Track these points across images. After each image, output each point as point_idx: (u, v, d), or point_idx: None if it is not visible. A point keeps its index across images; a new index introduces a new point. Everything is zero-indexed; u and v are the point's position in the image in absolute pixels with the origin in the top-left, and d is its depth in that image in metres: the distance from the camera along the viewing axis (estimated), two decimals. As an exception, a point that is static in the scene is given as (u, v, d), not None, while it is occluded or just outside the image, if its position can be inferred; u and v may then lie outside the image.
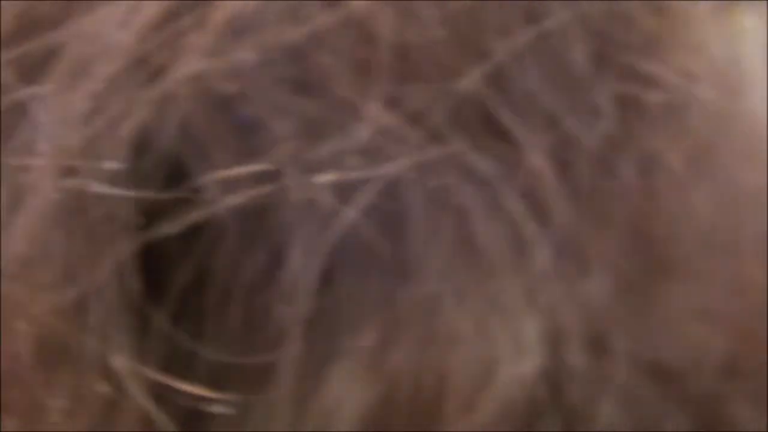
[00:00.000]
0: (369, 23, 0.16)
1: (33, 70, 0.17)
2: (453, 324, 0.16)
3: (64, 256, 0.16)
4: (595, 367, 0.16)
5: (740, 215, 0.17)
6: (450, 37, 0.16)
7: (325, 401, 0.16)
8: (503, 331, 0.16)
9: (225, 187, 0.16)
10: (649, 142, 0.17)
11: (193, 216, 0.16)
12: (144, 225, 0.16)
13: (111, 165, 0.16)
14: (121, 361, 0.16)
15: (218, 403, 0.16)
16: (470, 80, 0.16)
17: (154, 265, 0.16)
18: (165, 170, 0.16)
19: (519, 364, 0.16)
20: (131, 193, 0.16)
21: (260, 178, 0.16)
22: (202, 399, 0.17)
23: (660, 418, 0.17)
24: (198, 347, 0.16)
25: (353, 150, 0.16)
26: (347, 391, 0.16)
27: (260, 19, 0.17)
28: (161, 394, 0.16)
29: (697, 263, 0.17)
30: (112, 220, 0.16)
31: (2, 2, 0.18)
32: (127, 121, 0.16)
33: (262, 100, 0.16)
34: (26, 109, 0.17)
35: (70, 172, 0.16)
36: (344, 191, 0.16)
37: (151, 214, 0.16)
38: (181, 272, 0.16)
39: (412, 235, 0.16)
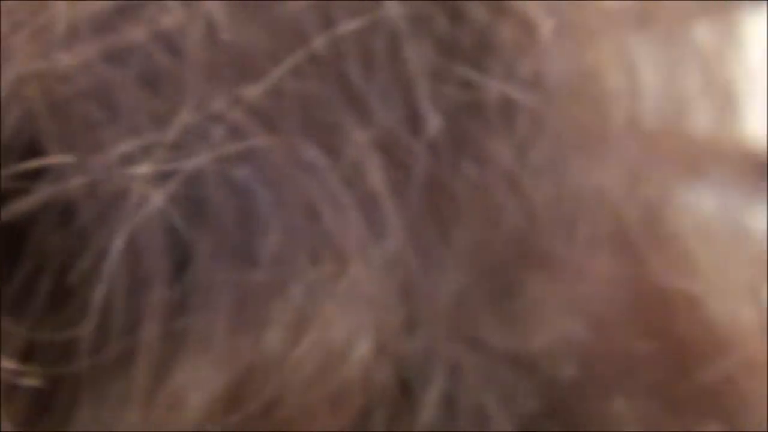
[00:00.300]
0: (207, 24, 0.17)
1: None
2: (296, 309, 0.17)
3: None
4: (441, 354, 0.17)
5: (587, 211, 0.18)
6: (274, 33, 0.17)
7: (176, 385, 0.17)
8: (342, 317, 0.17)
9: (53, 177, 0.17)
10: (485, 142, 0.17)
11: (26, 203, 0.17)
12: None
13: None
14: None
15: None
16: (285, 71, 0.17)
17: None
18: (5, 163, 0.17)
19: (356, 349, 0.17)
20: None
21: (79, 169, 0.17)
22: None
23: (515, 404, 0.18)
24: (37, 332, 0.17)
25: (167, 143, 0.17)
26: (198, 375, 0.17)
27: (102, 19, 0.17)
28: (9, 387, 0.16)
29: (557, 255, 0.18)
30: None
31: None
32: None
33: (96, 97, 0.17)
34: None
35: None
36: (158, 181, 0.17)
37: None
38: (23, 258, 0.17)
39: (257, 223, 0.17)
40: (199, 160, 0.16)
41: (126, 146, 0.16)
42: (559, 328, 0.17)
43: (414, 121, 0.16)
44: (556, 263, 0.17)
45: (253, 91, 0.16)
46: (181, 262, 0.17)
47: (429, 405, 0.17)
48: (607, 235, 0.17)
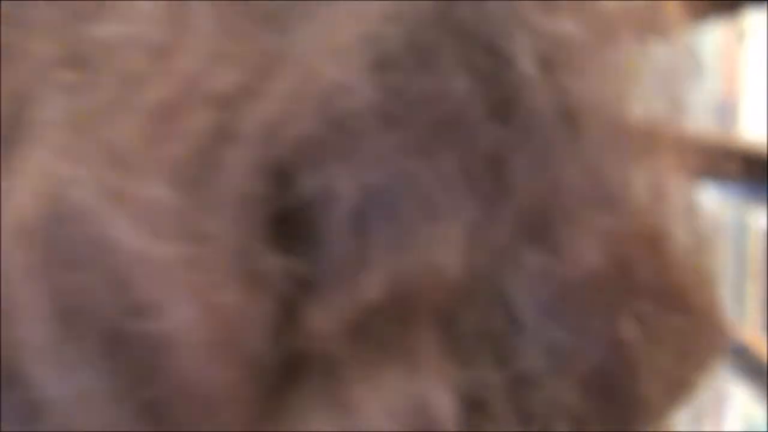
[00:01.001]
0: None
1: None
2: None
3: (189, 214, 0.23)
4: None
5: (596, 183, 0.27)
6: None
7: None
8: (442, 238, 0.25)
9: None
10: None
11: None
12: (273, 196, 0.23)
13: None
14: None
15: None
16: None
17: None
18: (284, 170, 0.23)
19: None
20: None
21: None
22: None
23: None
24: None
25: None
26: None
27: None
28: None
29: (576, 214, 0.26)
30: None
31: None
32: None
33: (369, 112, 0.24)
34: None
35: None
36: None
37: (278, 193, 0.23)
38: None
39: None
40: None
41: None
42: (580, 257, 0.25)
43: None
44: (576, 219, 0.25)
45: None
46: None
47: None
48: (606, 201, 0.26)
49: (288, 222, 0.24)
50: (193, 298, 0.23)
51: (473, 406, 0.25)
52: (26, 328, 0.23)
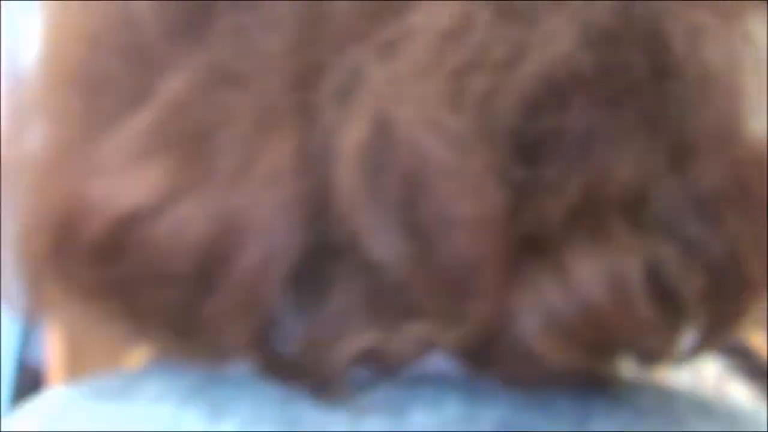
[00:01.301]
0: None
1: None
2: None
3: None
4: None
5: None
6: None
7: None
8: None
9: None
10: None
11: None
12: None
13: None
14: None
15: None
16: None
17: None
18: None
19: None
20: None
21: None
22: None
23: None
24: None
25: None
26: None
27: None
28: None
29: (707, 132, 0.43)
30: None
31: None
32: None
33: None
34: None
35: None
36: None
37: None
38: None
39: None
40: None
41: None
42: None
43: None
44: (708, 150, 0.40)
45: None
46: None
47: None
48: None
49: (527, 147, 0.38)
50: (471, 194, 0.36)
51: (653, 271, 0.38)
52: (357, 212, 0.37)
